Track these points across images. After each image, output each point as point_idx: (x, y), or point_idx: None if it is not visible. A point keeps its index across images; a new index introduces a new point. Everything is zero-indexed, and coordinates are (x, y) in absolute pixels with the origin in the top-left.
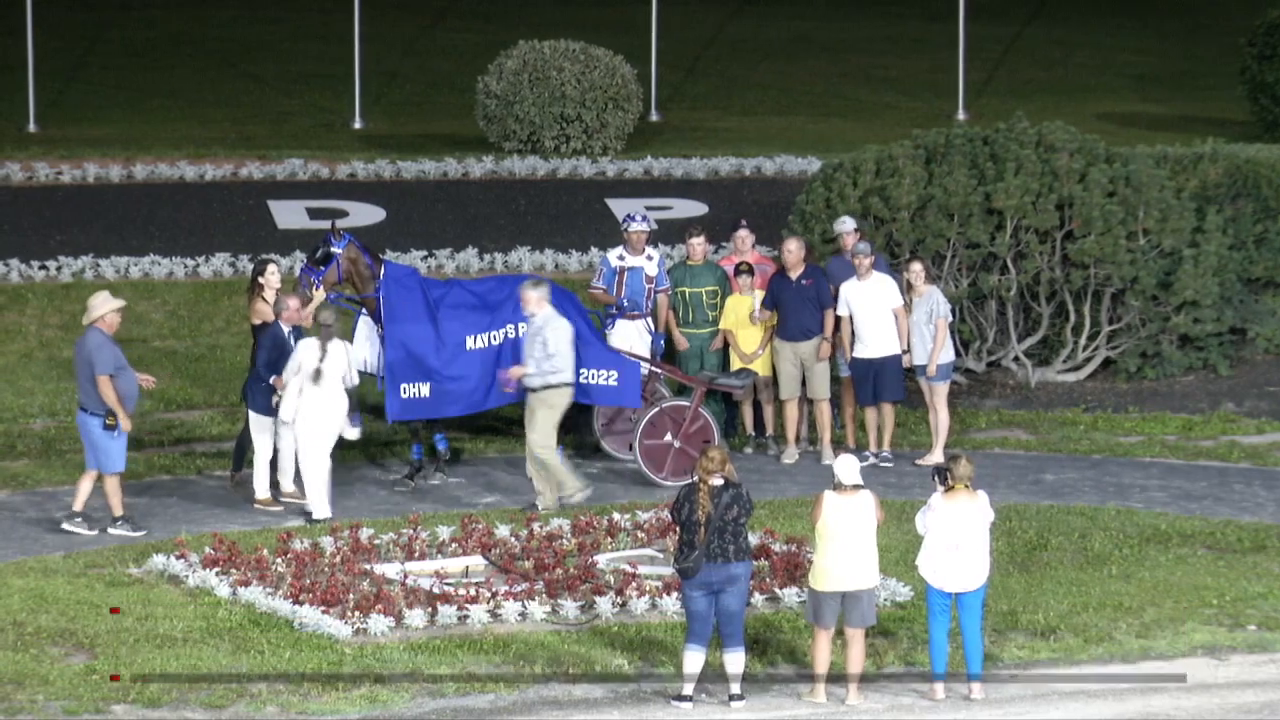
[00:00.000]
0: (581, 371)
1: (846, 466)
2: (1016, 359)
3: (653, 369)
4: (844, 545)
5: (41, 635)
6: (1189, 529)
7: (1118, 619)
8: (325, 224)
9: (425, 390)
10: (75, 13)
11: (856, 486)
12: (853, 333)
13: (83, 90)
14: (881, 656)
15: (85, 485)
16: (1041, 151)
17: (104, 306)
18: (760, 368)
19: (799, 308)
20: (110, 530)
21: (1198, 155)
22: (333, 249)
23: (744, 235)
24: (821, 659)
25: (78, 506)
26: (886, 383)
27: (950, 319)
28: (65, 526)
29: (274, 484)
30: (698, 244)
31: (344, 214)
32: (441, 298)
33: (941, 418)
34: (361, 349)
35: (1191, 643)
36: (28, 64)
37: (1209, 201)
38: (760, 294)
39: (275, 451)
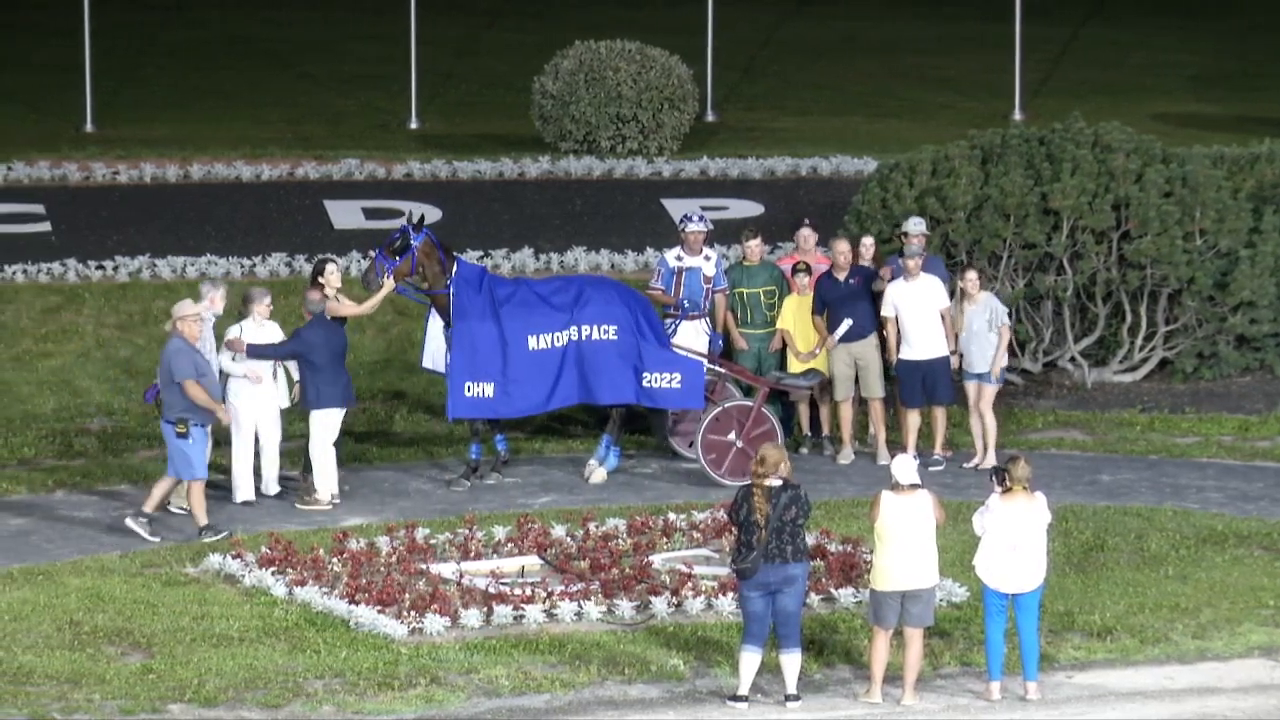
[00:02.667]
0: (645, 375)
1: (903, 466)
2: (1073, 359)
3: (714, 368)
4: (903, 545)
5: (98, 634)
6: (1246, 530)
7: (1174, 620)
8: (383, 224)
9: (489, 390)
10: (131, 14)
11: (914, 486)
12: (899, 334)
13: (139, 91)
14: (938, 657)
15: (158, 489)
16: (1098, 152)
17: (178, 312)
18: (822, 367)
19: (850, 308)
20: (202, 539)
21: (1254, 155)
22: (411, 241)
23: (807, 234)
24: (879, 659)
25: (147, 507)
26: (937, 385)
27: (1009, 324)
28: (128, 523)
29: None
30: (754, 245)
31: (401, 213)
32: (508, 297)
33: (989, 421)
34: (433, 349)
35: (1248, 643)
36: (85, 65)
37: (1266, 202)
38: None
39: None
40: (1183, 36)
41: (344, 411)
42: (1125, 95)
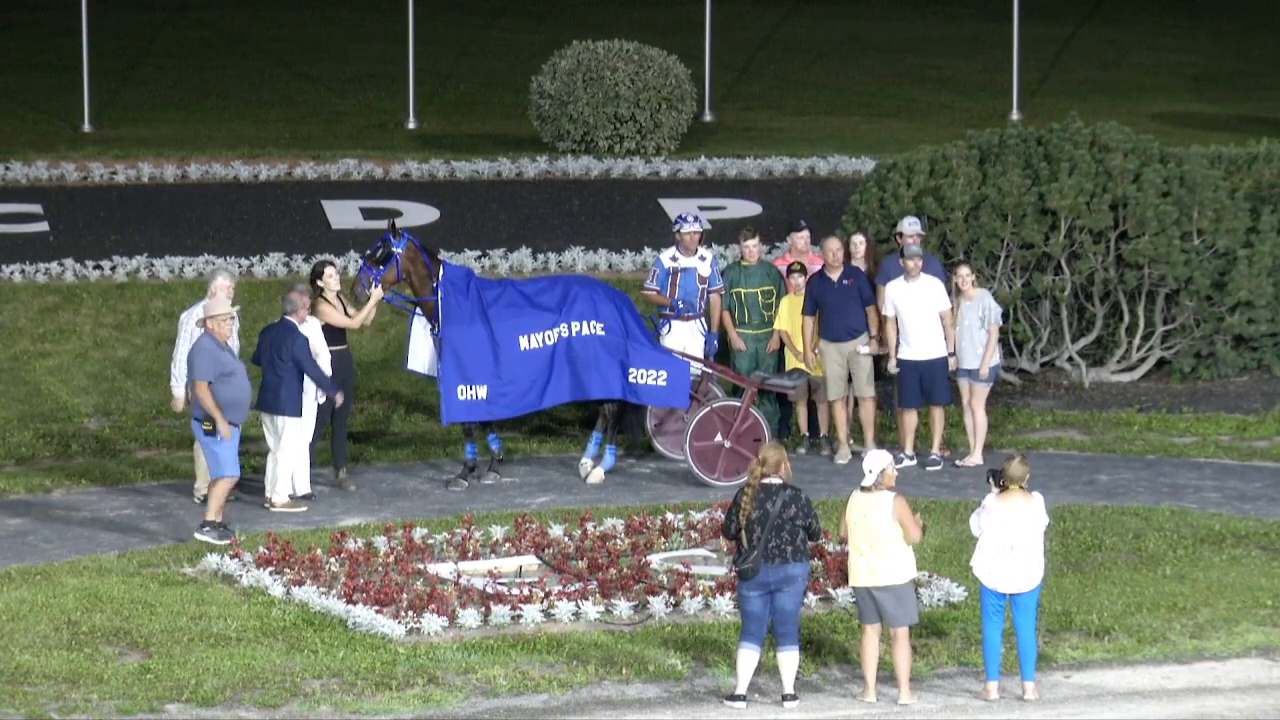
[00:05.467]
0: (630, 371)
1: (869, 463)
2: (1070, 359)
3: (704, 369)
4: (859, 542)
5: (96, 634)
6: (1243, 529)
7: (1172, 619)
8: (380, 224)
9: (482, 393)
10: (131, 14)
11: (876, 486)
12: (898, 333)
13: (137, 90)
14: (935, 657)
15: (214, 495)
16: (1096, 152)
17: (209, 310)
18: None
19: (843, 307)
20: (196, 534)
21: (1252, 155)
22: (393, 248)
23: (795, 236)
24: (867, 656)
25: (210, 515)
26: (936, 385)
27: (1000, 324)
28: (197, 535)
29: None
30: (751, 245)
31: (398, 214)
32: (495, 299)
33: (980, 419)
34: (418, 350)
35: (1245, 643)
36: (83, 64)
37: (1263, 202)
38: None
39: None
40: (1182, 36)
41: (269, 417)
42: (1124, 95)
